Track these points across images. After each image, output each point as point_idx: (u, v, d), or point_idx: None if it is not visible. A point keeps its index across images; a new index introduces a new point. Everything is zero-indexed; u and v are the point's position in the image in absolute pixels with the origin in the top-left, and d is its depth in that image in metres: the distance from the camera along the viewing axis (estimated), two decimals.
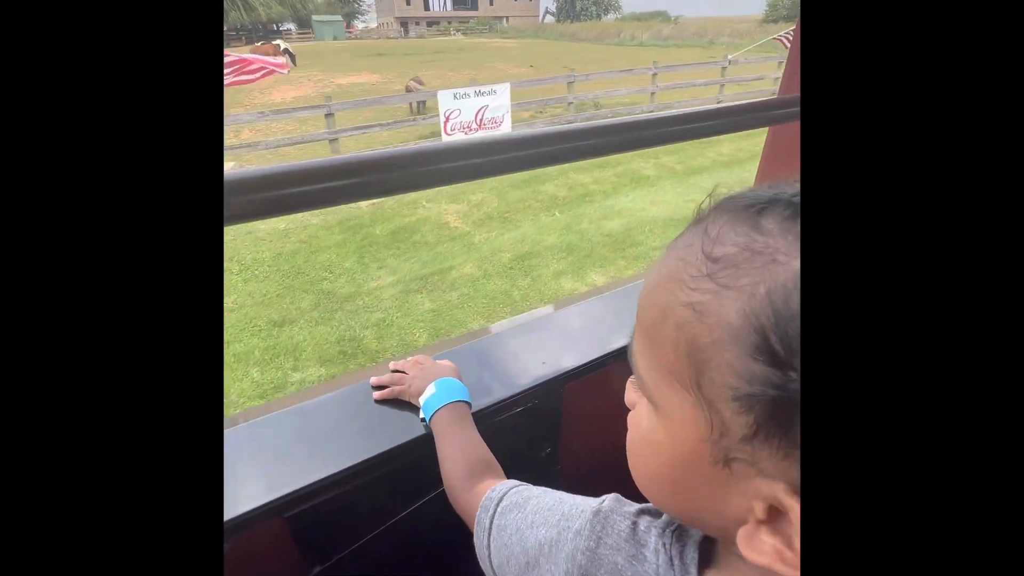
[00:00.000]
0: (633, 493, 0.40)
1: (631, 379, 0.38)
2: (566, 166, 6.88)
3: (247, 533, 0.64)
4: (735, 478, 0.28)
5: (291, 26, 58.07)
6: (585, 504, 0.44)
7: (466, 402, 0.72)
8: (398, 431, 0.73)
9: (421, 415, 0.72)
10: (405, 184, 0.54)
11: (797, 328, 0.23)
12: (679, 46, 29.89)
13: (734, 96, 11.73)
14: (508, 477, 0.92)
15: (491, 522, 0.50)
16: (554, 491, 0.50)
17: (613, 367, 0.90)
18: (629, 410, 0.37)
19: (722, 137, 8.84)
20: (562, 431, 0.92)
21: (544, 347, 0.91)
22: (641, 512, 0.41)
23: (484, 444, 0.65)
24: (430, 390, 0.72)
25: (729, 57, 11.21)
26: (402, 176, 0.53)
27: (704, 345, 0.27)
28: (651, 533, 0.39)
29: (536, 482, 0.96)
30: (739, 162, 7.52)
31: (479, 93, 7.73)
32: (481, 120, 7.87)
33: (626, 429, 0.36)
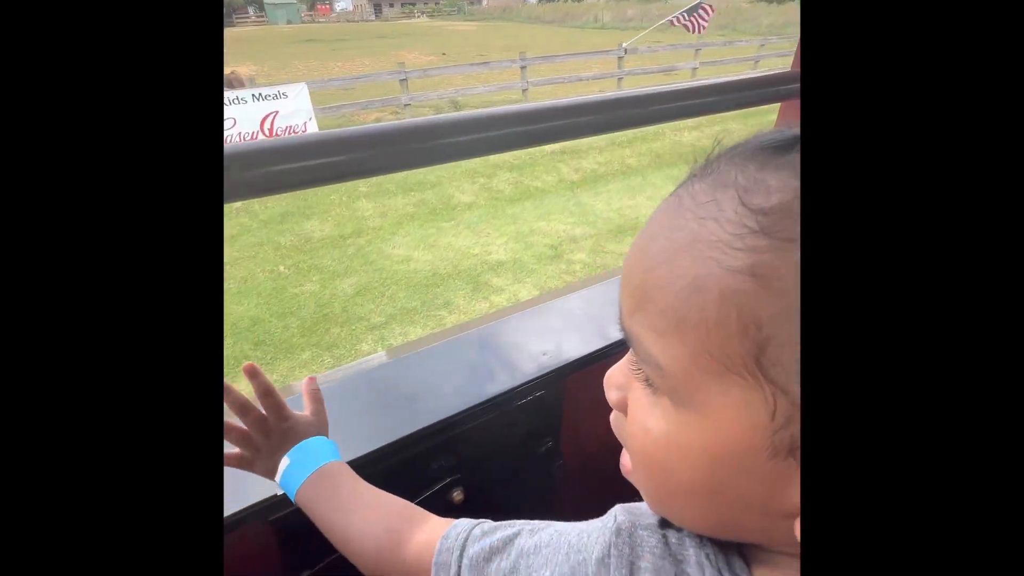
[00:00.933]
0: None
1: (615, 373, 0.34)
2: (360, 191, 5.76)
3: (229, 537, 0.60)
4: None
5: (250, 9, 55.92)
6: (594, 527, 0.37)
7: (337, 461, 0.56)
8: (388, 429, 0.68)
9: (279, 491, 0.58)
10: (425, 157, 0.53)
11: None
12: (637, 28, 28.83)
13: None
14: (507, 473, 0.86)
15: None
16: (539, 523, 0.42)
17: (619, 357, 0.70)
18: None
19: (595, 147, 7.10)
20: (564, 425, 0.87)
21: (545, 337, 0.86)
22: (663, 521, 0.35)
23: (387, 495, 0.52)
24: (284, 465, 0.54)
25: (624, 45, 9.68)
26: (421, 149, 0.52)
27: (771, 316, 0.23)
28: (686, 545, 0.33)
29: (536, 478, 0.90)
30: (595, 180, 6.07)
31: (260, 97, 6.22)
32: (271, 129, 6.35)
33: None
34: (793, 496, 0.25)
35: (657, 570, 0.32)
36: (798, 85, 0.79)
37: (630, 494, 0.37)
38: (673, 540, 0.33)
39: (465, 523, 0.44)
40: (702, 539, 0.32)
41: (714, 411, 0.25)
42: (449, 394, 0.74)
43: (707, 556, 0.31)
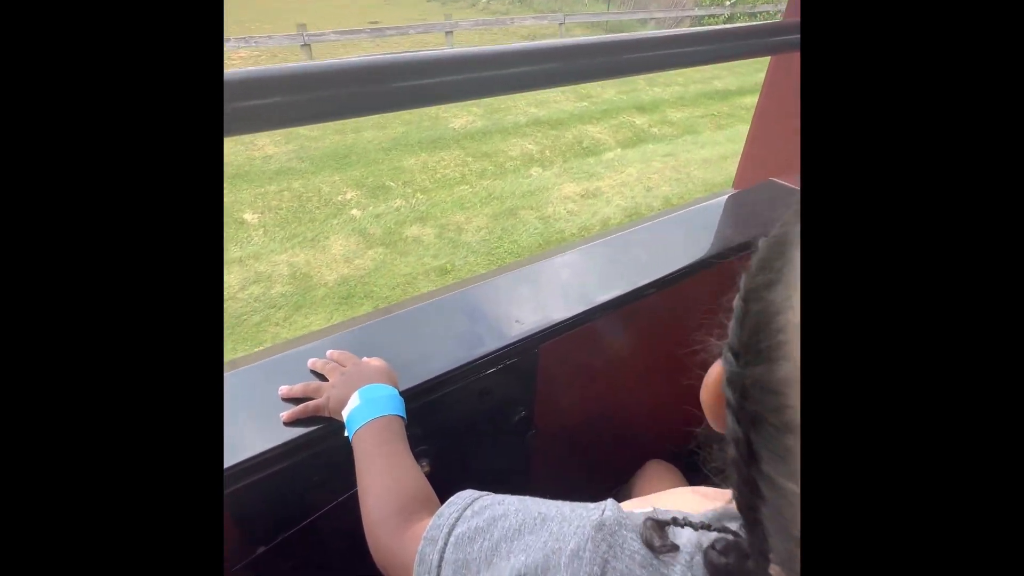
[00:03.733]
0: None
1: None
2: None
3: None
4: None
5: None
6: (579, 515, 0.36)
7: (399, 416, 0.59)
8: None
9: (345, 432, 0.59)
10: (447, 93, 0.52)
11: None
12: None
13: None
14: (478, 443, 0.85)
15: (441, 558, 0.40)
16: (530, 500, 0.41)
17: (597, 324, 0.85)
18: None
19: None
20: (537, 394, 0.85)
21: (518, 304, 0.84)
22: (656, 525, 0.34)
23: (420, 473, 0.54)
24: (353, 402, 0.58)
25: None
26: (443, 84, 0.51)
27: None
28: (675, 562, 0.32)
29: (509, 449, 0.88)
30: None
31: None
32: None
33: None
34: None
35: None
36: (787, 37, 0.74)
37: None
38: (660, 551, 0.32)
39: (462, 500, 0.43)
40: (692, 560, 0.31)
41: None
42: (416, 361, 0.71)
43: None
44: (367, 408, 0.57)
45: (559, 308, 0.83)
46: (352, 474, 0.55)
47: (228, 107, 0.40)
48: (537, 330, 0.79)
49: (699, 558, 0.31)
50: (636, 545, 0.33)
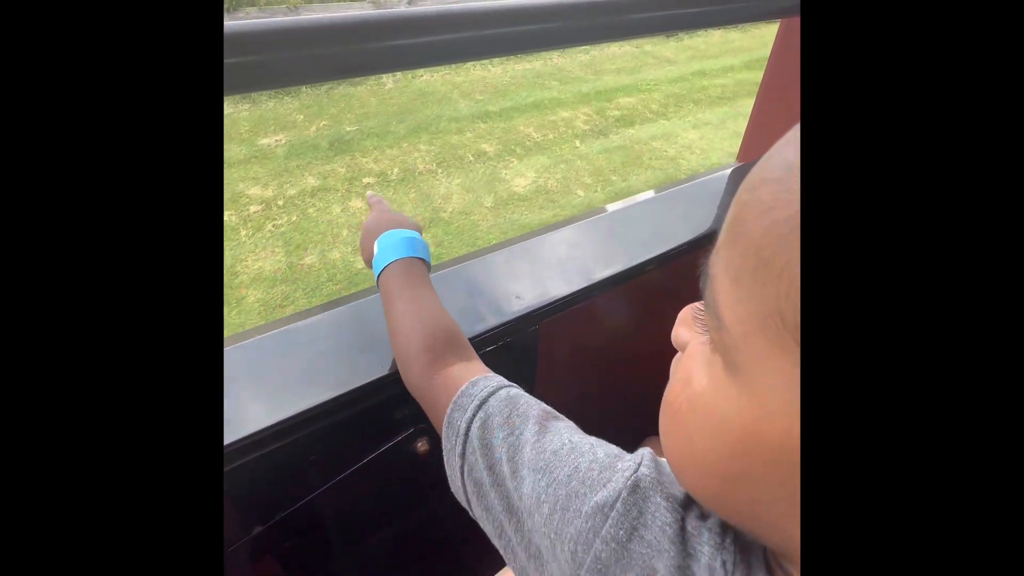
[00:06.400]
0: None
1: (687, 310, 0.30)
2: None
3: None
4: None
5: None
6: (612, 465, 0.33)
7: (420, 259, 0.60)
8: (344, 377, 0.64)
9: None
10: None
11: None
12: None
13: None
14: None
15: (468, 428, 0.40)
16: (562, 423, 0.40)
17: (597, 300, 0.83)
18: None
19: None
20: (538, 372, 0.84)
21: (517, 279, 0.82)
22: (690, 502, 0.31)
23: (443, 311, 0.55)
24: (374, 251, 0.60)
25: None
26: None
27: None
28: (704, 541, 0.29)
29: None
30: None
31: None
32: None
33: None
34: None
35: (660, 550, 0.29)
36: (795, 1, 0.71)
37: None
38: (691, 528, 0.30)
39: (495, 381, 0.44)
40: (724, 540, 0.28)
41: (768, 392, 0.20)
42: None
43: (723, 563, 0.28)
44: (388, 251, 0.59)
45: (559, 284, 0.81)
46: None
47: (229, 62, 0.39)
48: (537, 306, 0.77)
49: (731, 537, 0.29)
50: (669, 517, 0.30)
